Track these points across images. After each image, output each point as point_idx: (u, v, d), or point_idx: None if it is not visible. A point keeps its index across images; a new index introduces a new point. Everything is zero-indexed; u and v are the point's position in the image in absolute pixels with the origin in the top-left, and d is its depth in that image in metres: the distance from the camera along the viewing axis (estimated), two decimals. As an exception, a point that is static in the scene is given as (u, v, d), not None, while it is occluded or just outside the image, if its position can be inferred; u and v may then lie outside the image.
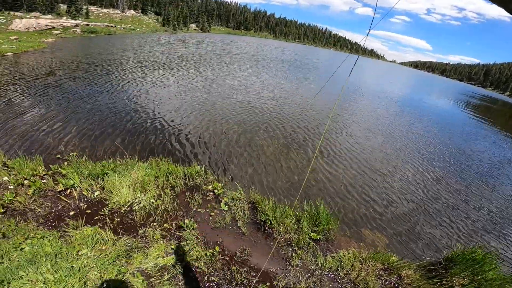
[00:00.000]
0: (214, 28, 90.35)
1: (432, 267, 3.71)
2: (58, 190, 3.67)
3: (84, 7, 47.20)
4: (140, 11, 72.47)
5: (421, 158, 9.16)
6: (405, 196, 6.40)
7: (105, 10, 60.02)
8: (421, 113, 18.33)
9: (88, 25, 35.15)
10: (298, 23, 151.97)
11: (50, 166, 4.31)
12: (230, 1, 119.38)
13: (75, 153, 5.13)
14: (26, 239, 2.77)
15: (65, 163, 4.52)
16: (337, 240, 3.94)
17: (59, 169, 4.21)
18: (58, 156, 5.10)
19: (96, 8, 59.31)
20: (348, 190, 6.08)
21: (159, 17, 69.20)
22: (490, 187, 8.10)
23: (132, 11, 69.42)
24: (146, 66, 15.31)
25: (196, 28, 76.06)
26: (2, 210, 3.19)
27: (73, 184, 3.77)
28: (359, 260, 3.42)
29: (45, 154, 5.16)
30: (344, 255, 3.43)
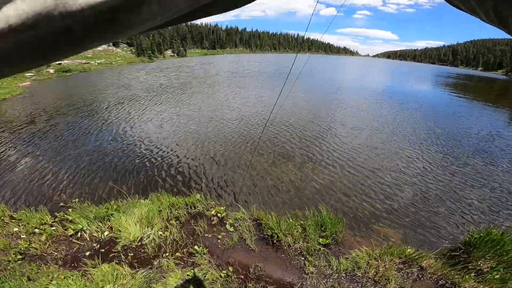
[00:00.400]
0: (190, 51, 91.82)
1: (453, 253, 3.81)
2: (69, 234, 3.86)
3: (54, 45, 47.24)
4: (111, 44, 72.99)
5: (411, 146, 9.47)
6: (404, 186, 6.59)
7: (74, 47, 60.14)
8: (404, 101, 18.97)
9: (60, 63, 35.03)
10: (270, 33, 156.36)
11: (56, 214, 4.46)
12: (201, 23, 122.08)
13: (76, 200, 5.20)
14: (51, 280, 2.99)
15: (70, 210, 4.63)
16: (347, 242, 4.06)
17: (65, 215, 4.34)
18: (61, 204, 5.21)
19: (66, 46, 59.40)
20: (346, 191, 6.25)
21: (132, 48, 69.83)
22: (486, 163, 8.38)
23: (103, 45, 69.84)
24: (127, 101, 15.40)
25: (172, 54, 77.06)
26: (20, 257, 3.43)
27: (82, 228, 3.95)
28: (373, 257, 3.54)
29: (48, 204, 5.27)
30: (358, 255, 3.55)
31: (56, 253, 3.54)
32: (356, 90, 22.91)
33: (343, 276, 3.27)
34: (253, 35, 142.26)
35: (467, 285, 3.07)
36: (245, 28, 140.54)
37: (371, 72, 52.28)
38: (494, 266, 3.36)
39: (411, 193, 6.25)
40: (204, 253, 3.48)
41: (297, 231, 4.10)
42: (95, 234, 3.86)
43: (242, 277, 3.18)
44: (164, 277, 3.05)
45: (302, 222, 4.36)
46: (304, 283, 3.12)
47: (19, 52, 0.23)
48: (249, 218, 4.50)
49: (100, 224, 4.05)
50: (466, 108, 18.50)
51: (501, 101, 24.27)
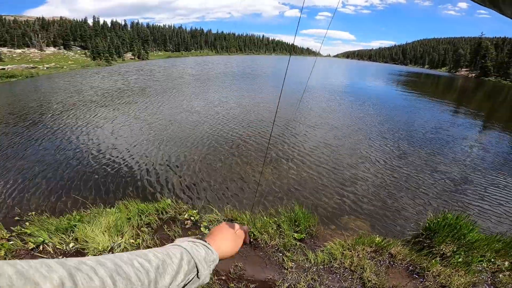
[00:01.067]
0: (153, 54, 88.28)
1: (417, 239, 4.02)
2: (30, 248, 3.49)
3: (-5, 49, 42.40)
4: (61, 47, 67.43)
5: (368, 142, 10.07)
6: (364, 179, 6.97)
7: (19, 51, 54.54)
8: (361, 99, 20.17)
9: (3, 68, 31.59)
10: (236, 35, 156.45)
11: (12, 228, 4.00)
12: (164, 25, 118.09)
13: (33, 213, 4.70)
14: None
15: (27, 223, 4.17)
16: (321, 235, 4.15)
17: (23, 229, 3.92)
18: (17, 218, 4.71)
19: (8, 50, 53.51)
20: (315, 186, 6.45)
21: (86, 51, 65.15)
22: (434, 153, 9.23)
23: (52, 48, 64.29)
24: (81, 107, 14.32)
25: (133, 57, 73.42)
26: None
27: (44, 241, 3.57)
28: (347, 248, 3.64)
29: (2, 219, 4.74)
30: (332, 247, 3.63)
31: None
32: (319, 90, 23.87)
33: (321, 268, 3.33)
34: (219, 37, 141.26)
35: (434, 269, 3.28)
36: (210, 30, 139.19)
37: (334, 72, 54.85)
38: (455, 250, 3.58)
39: (371, 185, 6.63)
40: (180, 259, 3.32)
41: (272, 228, 4.09)
42: (59, 246, 3.50)
43: (223, 278, 3.08)
44: None
45: (275, 219, 4.37)
46: (285, 278, 3.12)
47: None
48: (223, 219, 4.40)
49: (63, 236, 3.68)
50: (416, 103, 20.25)
51: (446, 95, 27.05)
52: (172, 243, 0.66)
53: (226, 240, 0.80)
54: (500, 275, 3.29)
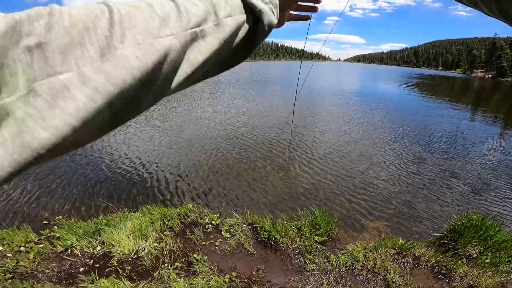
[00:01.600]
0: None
1: (441, 241, 3.98)
2: (58, 251, 3.64)
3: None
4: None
5: (386, 145, 9.96)
6: (384, 182, 6.89)
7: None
8: (373, 103, 19.95)
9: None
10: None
11: (41, 232, 4.17)
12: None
13: (60, 217, 4.91)
14: (49, 298, 2.76)
15: (55, 227, 4.37)
16: (342, 238, 4.16)
17: (51, 233, 4.09)
18: (45, 222, 4.89)
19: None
20: (334, 189, 6.43)
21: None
22: (452, 157, 9.02)
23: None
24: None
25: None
26: (10, 275, 3.22)
27: (72, 244, 3.73)
28: (369, 250, 3.64)
29: (31, 222, 4.91)
30: (354, 249, 3.64)
31: (47, 271, 3.32)
32: (335, 95, 23.80)
33: (344, 271, 3.34)
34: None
35: (461, 270, 3.24)
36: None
37: (348, 77, 54.53)
38: (482, 251, 3.55)
39: (391, 188, 6.54)
40: (204, 261, 3.41)
41: (292, 232, 4.14)
42: (86, 249, 3.66)
43: (246, 281, 3.15)
44: (167, 288, 2.95)
45: (296, 222, 4.41)
46: (307, 280, 3.15)
47: None
48: (244, 223, 4.48)
49: (90, 239, 3.84)
50: (431, 106, 19.82)
51: (462, 98, 26.36)
52: None
53: None
54: (529, 275, 3.22)
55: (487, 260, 3.38)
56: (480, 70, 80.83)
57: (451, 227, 4.19)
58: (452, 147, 9.91)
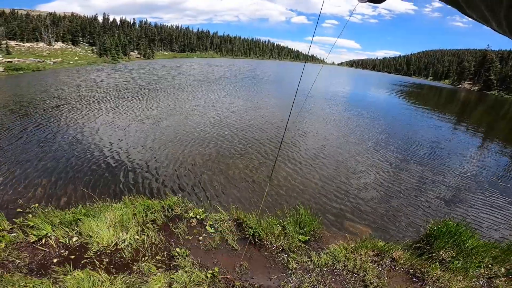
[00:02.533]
0: (158, 54, 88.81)
1: (417, 244, 4.11)
2: (32, 241, 3.50)
3: (3, 42, 42.71)
4: (70, 43, 67.90)
5: (371, 152, 10.14)
6: (371, 185, 7.05)
7: (27, 44, 55.02)
8: (362, 109, 20.26)
9: (11, 61, 31.93)
10: (242, 38, 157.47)
11: (14, 220, 3.99)
12: (171, 25, 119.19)
13: (37, 205, 4.72)
14: (18, 289, 2.65)
15: (30, 215, 4.18)
16: (325, 238, 4.20)
17: (25, 221, 3.92)
18: (19, 209, 4.69)
19: (17, 43, 54.07)
20: (320, 190, 6.50)
21: (93, 47, 65.68)
22: (434, 165, 9.30)
23: (60, 44, 64.74)
24: (89, 102, 14.44)
25: (138, 56, 73.94)
26: None
27: (46, 234, 3.59)
28: (350, 251, 3.70)
29: (4, 210, 4.67)
30: (336, 250, 3.69)
31: (18, 261, 3.19)
32: (325, 99, 23.99)
33: (325, 270, 3.38)
34: (225, 39, 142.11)
35: (434, 274, 3.34)
36: (217, 32, 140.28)
37: (337, 82, 55.06)
38: (454, 255, 3.68)
39: (373, 192, 6.68)
40: (186, 255, 3.37)
41: (277, 229, 4.15)
42: (62, 240, 3.53)
43: (229, 276, 3.13)
44: (147, 281, 2.88)
45: (281, 220, 4.43)
46: (290, 279, 3.17)
47: None
48: (229, 219, 4.45)
49: (67, 229, 3.70)
50: (417, 115, 20.28)
51: (447, 108, 27.15)
52: None
53: None
54: (497, 281, 3.36)
55: (459, 265, 3.50)
56: (468, 82, 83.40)
57: (428, 231, 4.33)
58: (432, 156, 10.19)
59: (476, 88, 73.71)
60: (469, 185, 7.74)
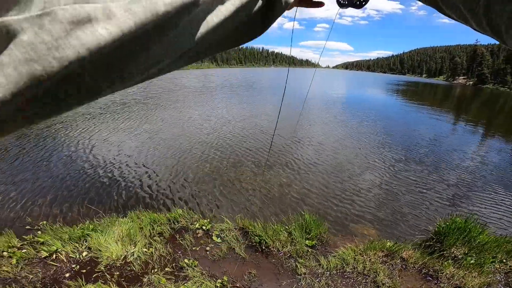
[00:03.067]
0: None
1: (427, 243, 4.08)
2: (43, 256, 3.53)
3: None
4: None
5: (373, 152, 10.19)
6: (375, 185, 7.05)
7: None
8: (360, 110, 20.42)
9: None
10: (236, 47, 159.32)
11: (24, 237, 4.04)
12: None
13: (45, 222, 4.75)
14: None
15: (39, 232, 4.23)
16: (332, 241, 4.20)
17: (35, 238, 3.96)
18: (28, 227, 4.73)
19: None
20: (324, 194, 6.51)
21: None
22: (436, 162, 9.32)
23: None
24: (89, 118, 14.55)
25: (134, 70, 74.47)
26: None
27: (57, 249, 3.63)
28: (358, 253, 3.70)
29: (13, 227, 4.72)
30: (344, 253, 3.68)
31: (31, 276, 3.22)
32: (318, 101, 24.18)
33: (334, 273, 3.37)
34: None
35: (448, 271, 3.33)
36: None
37: (333, 84, 55.54)
38: (466, 252, 3.66)
39: (378, 193, 6.68)
40: (195, 266, 3.37)
41: (283, 236, 4.15)
42: (72, 255, 3.56)
43: (238, 285, 3.12)
44: (158, 291, 2.89)
45: (286, 226, 4.43)
46: (299, 284, 3.16)
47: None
48: (234, 228, 4.46)
49: (76, 244, 3.74)
50: (415, 113, 20.44)
51: (444, 105, 27.35)
52: None
53: None
54: (514, 275, 3.34)
55: (472, 261, 3.48)
56: (462, 77, 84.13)
57: (436, 229, 4.30)
58: (433, 154, 10.22)
59: (471, 82, 74.36)
60: (473, 181, 7.75)
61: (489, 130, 15.70)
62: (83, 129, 12.17)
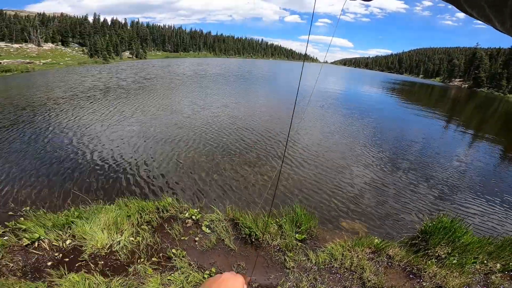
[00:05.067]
0: (150, 54, 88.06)
1: (413, 241, 4.10)
2: (24, 244, 3.42)
3: (-8, 43, 41.92)
4: (59, 43, 66.84)
5: (364, 150, 10.22)
6: (365, 183, 7.09)
7: (16, 45, 54.15)
8: (355, 108, 20.41)
9: (0, 63, 31.30)
10: (235, 38, 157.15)
11: (6, 223, 3.90)
12: (164, 25, 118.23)
13: (28, 208, 4.62)
14: (13, 293, 2.59)
15: (22, 219, 4.09)
16: (321, 236, 4.20)
17: (18, 224, 3.83)
18: (11, 213, 4.63)
19: (6, 44, 53.07)
20: (316, 189, 6.51)
21: (84, 48, 64.78)
22: (427, 162, 9.40)
23: (50, 44, 63.75)
24: (77, 104, 14.21)
25: (131, 56, 73.18)
26: None
27: (39, 237, 3.50)
28: (347, 249, 3.70)
29: None
30: (333, 248, 3.69)
31: (12, 264, 3.12)
32: (315, 97, 24.10)
33: (322, 268, 3.37)
34: (218, 39, 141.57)
35: (431, 270, 3.36)
36: (210, 32, 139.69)
37: (330, 80, 55.35)
38: (450, 252, 3.69)
39: (368, 190, 6.73)
40: (183, 256, 3.32)
41: (273, 229, 4.13)
42: (55, 243, 3.45)
43: (225, 277, 3.10)
44: (143, 283, 2.82)
45: (277, 219, 4.40)
46: (287, 278, 3.15)
47: None
48: (225, 219, 4.41)
49: (60, 232, 3.62)
50: (409, 113, 20.53)
51: (438, 106, 27.59)
52: None
53: None
54: (493, 277, 3.39)
55: (454, 261, 3.52)
56: (458, 80, 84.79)
57: (423, 228, 4.33)
58: (424, 153, 10.31)
59: (466, 85, 74.97)
60: (461, 181, 7.86)
61: (478, 132, 15.91)
62: (68, 113, 11.88)
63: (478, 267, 3.56)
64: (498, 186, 7.74)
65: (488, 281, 3.35)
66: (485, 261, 3.65)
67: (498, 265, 3.57)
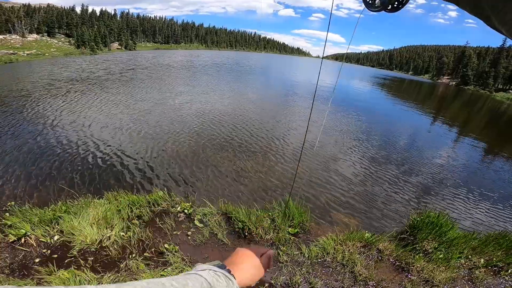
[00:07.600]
0: (140, 45, 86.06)
1: (402, 235, 4.19)
2: (10, 240, 3.30)
3: (-25, 34, 40.15)
4: (45, 34, 64.54)
5: (356, 145, 10.35)
6: (357, 178, 7.19)
7: (0, 37, 52.00)
8: (345, 103, 20.59)
9: (-19, 54, 30.04)
10: (228, 30, 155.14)
11: None
12: (155, 16, 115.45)
13: (13, 203, 4.46)
14: (4, 291, 2.49)
15: (7, 214, 3.93)
16: (314, 230, 4.23)
17: (3, 220, 3.70)
18: None
19: (-12, 35, 50.97)
20: (307, 183, 6.54)
21: (71, 39, 62.69)
22: (417, 158, 9.61)
23: (35, 35, 61.55)
24: (64, 93, 13.78)
25: (119, 47, 71.22)
26: None
27: (26, 233, 3.37)
28: (339, 243, 3.74)
29: None
30: (325, 242, 3.71)
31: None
32: (304, 92, 24.16)
33: (315, 262, 3.39)
34: (210, 31, 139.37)
35: (418, 265, 3.44)
36: (202, 24, 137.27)
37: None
38: (436, 246, 3.79)
39: (359, 185, 6.83)
40: (175, 251, 3.28)
41: (266, 223, 4.12)
42: (42, 239, 3.33)
43: (219, 271, 3.08)
44: (136, 279, 2.77)
45: (270, 213, 4.40)
46: (281, 272, 3.16)
47: None
48: (217, 213, 4.38)
49: (47, 228, 3.50)
50: (397, 109, 20.89)
51: (426, 102, 28.17)
52: (191, 271, 0.62)
53: (250, 269, 0.72)
54: (477, 272, 3.49)
55: (441, 256, 3.62)
56: (446, 77, 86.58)
57: (411, 222, 4.44)
58: (412, 149, 10.53)
59: (454, 83, 76.68)
60: (448, 177, 8.07)
61: (463, 131, 16.36)
62: (54, 103, 11.50)
63: (463, 262, 3.66)
64: (482, 182, 7.99)
65: (472, 276, 3.45)
66: (470, 256, 3.76)
67: (482, 260, 3.68)
